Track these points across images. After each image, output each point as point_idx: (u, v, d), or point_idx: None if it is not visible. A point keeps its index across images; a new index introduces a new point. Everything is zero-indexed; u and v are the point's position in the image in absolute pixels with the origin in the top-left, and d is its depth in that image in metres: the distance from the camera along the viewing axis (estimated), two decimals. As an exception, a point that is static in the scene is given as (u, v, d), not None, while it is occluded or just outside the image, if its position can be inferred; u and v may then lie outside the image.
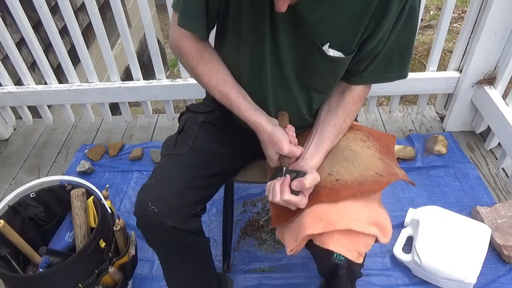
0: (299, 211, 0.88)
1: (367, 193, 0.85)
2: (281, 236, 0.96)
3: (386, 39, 0.86)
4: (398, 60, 0.92)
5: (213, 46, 1.01)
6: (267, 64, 0.90)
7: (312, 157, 0.93)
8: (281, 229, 0.96)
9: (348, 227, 0.82)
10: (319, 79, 0.95)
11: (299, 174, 0.87)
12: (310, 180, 0.84)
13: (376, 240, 0.86)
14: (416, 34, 0.90)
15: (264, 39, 0.86)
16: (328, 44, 0.85)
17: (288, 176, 0.86)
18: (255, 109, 0.95)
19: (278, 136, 0.92)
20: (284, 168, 0.91)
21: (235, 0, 0.85)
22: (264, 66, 0.90)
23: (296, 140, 0.96)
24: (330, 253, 0.84)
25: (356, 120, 1.14)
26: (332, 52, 0.86)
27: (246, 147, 1.14)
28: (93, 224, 1.21)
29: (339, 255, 0.84)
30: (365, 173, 0.89)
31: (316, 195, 0.87)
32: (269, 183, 0.89)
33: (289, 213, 0.89)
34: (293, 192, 0.84)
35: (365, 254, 0.89)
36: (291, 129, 0.96)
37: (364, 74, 0.94)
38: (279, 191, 0.85)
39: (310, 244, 0.87)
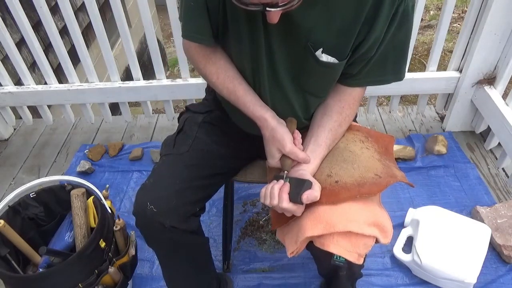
0: None
1: (367, 195, 0.85)
2: (282, 238, 0.96)
3: (380, 43, 0.86)
4: (392, 63, 0.92)
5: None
6: (263, 69, 0.90)
7: (308, 163, 0.92)
8: (282, 231, 0.95)
9: (348, 229, 0.81)
10: (314, 84, 0.94)
11: (302, 183, 0.84)
12: (319, 192, 0.84)
13: (377, 241, 0.86)
14: (411, 37, 0.90)
15: (259, 44, 0.86)
16: (321, 49, 0.85)
17: (288, 184, 0.85)
18: (261, 104, 0.94)
19: (280, 133, 0.91)
20: (286, 173, 0.89)
21: (232, 8, 0.85)
22: (261, 71, 0.91)
23: (301, 146, 0.94)
24: (330, 254, 0.84)
25: (355, 120, 1.14)
26: (325, 58, 0.86)
27: (245, 147, 1.14)
28: (93, 224, 1.21)
29: (339, 256, 0.84)
30: (365, 175, 0.89)
31: None
32: (265, 187, 0.88)
33: (289, 215, 0.89)
34: (291, 199, 0.83)
35: (365, 255, 0.89)
36: (298, 135, 0.94)
37: (359, 76, 0.94)
38: (277, 196, 0.84)
39: (311, 245, 0.87)
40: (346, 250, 0.83)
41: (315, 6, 0.79)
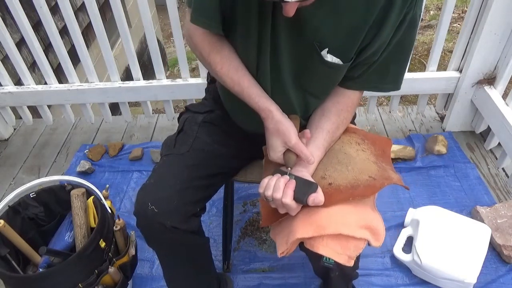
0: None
1: (360, 198, 0.85)
2: (274, 237, 0.96)
3: (384, 48, 0.86)
4: (393, 70, 0.92)
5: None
6: (267, 65, 0.90)
7: (306, 165, 0.91)
8: (275, 230, 0.95)
9: (338, 232, 0.81)
10: (316, 84, 0.94)
11: (309, 184, 0.84)
12: (323, 197, 0.83)
13: (368, 244, 0.86)
14: (414, 45, 0.90)
15: (265, 39, 0.85)
16: (327, 49, 0.84)
17: (293, 181, 0.84)
18: (266, 96, 0.92)
19: (286, 126, 0.89)
20: (289, 169, 0.88)
21: (243, 1, 0.84)
22: (266, 66, 0.90)
23: (303, 142, 0.92)
24: (321, 256, 0.84)
25: (353, 122, 1.14)
26: (330, 58, 0.85)
27: (245, 147, 1.14)
28: (93, 224, 1.21)
29: (329, 258, 0.83)
30: (359, 177, 0.88)
31: None
32: (268, 178, 0.86)
33: (280, 214, 0.88)
34: (296, 198, 0.82)
35: (358, 257, 0.88)
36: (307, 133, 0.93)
37: (359, 80, 0.94)
38: (282, 190, 0.82)
39: (303, 246, 0.87)
40: (336, 252, 0.82)
41: (323, 5, 0.79)
